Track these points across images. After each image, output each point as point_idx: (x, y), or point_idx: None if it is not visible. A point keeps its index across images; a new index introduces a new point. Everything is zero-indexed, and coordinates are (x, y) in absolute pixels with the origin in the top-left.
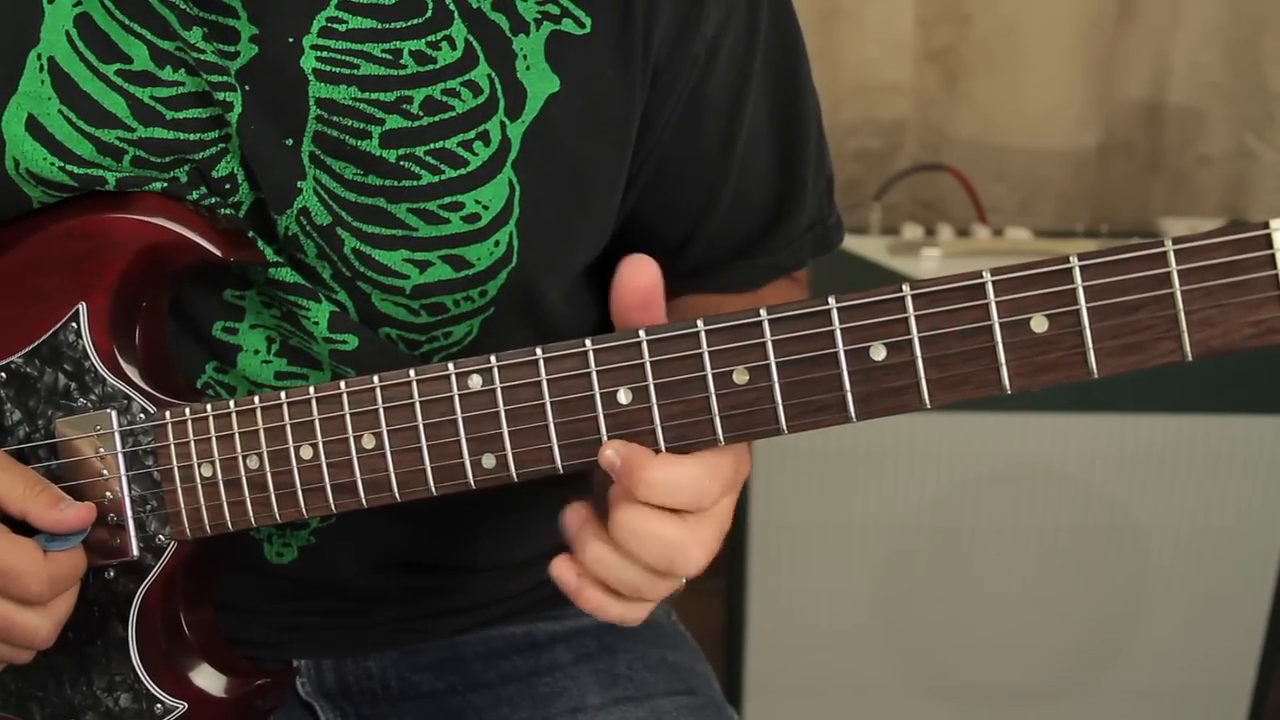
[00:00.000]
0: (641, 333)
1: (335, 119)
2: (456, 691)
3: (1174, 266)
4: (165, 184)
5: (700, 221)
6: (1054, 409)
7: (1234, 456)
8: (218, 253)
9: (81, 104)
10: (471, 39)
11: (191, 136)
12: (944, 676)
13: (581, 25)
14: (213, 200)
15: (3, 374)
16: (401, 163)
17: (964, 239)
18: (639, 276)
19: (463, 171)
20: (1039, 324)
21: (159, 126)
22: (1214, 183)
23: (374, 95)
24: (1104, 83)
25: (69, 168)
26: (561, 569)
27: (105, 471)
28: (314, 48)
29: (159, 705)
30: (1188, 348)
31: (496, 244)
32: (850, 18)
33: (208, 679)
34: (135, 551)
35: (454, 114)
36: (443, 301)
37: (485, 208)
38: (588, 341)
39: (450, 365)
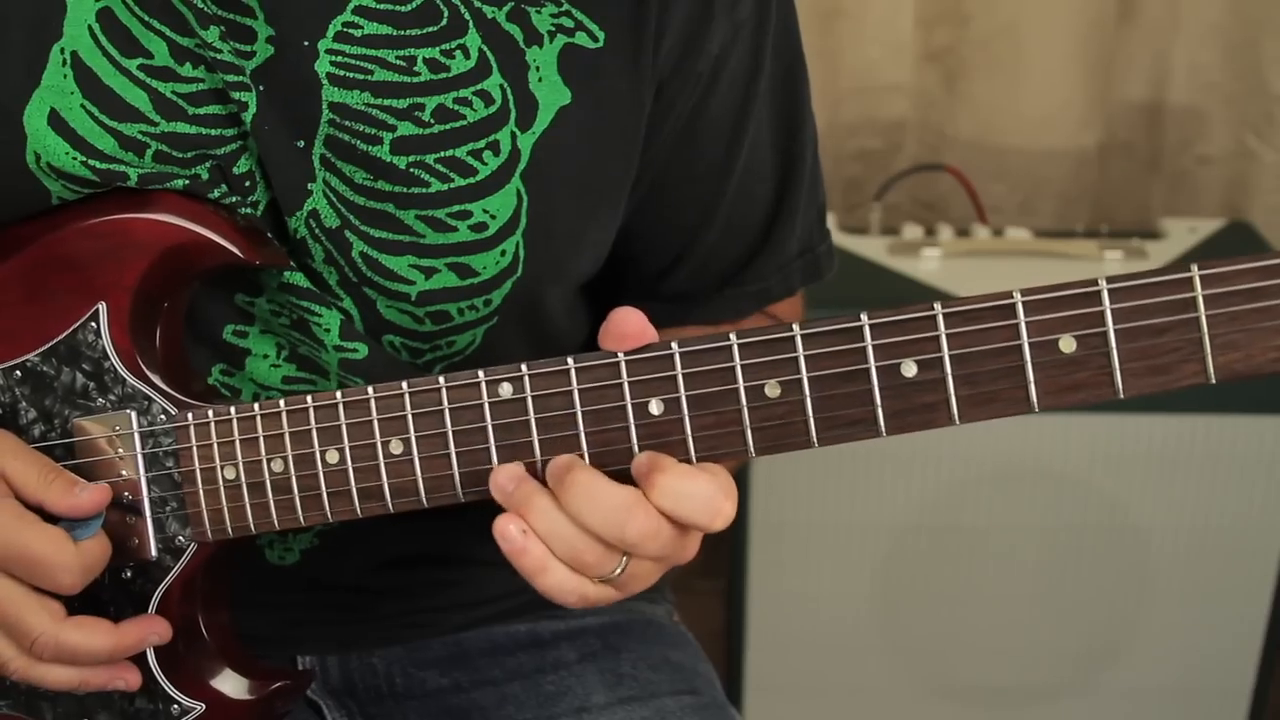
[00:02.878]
0: (674, 344)
1: (347, 123)
2: (462, 689)
3: (1200, 291)
4: (187, 181)
5: (692, 241)
6: (1054, 409)
7: (1234, 456)
8: (241, 255)
9: (104, 98)
10: (485, 49)
11: (213, 132)
12: (944, 676)
13: (595, 39)
14: (233, 199)
15: (18, 372)
16: (411, 169)
17: (964, 239)
18: (629, 321)
19: (471, 180)
20: (1067, 344)
21: (181, 121)
22: (1214, 183)
23: (386, 101)
24: (1104, 83)
25: (91, 162)
26: (506, 524)
27: (124, 472)
28: (329, 52)
29: (175, 706)
30: (1212, 370)
31: (503, 253)
32: (850, 18)
33: (225, 681)
34: (154, 552)
35: (465, 123)
36: (447, 309)
37: (493, 217)
38: (619, 352)
39: (481, 372)
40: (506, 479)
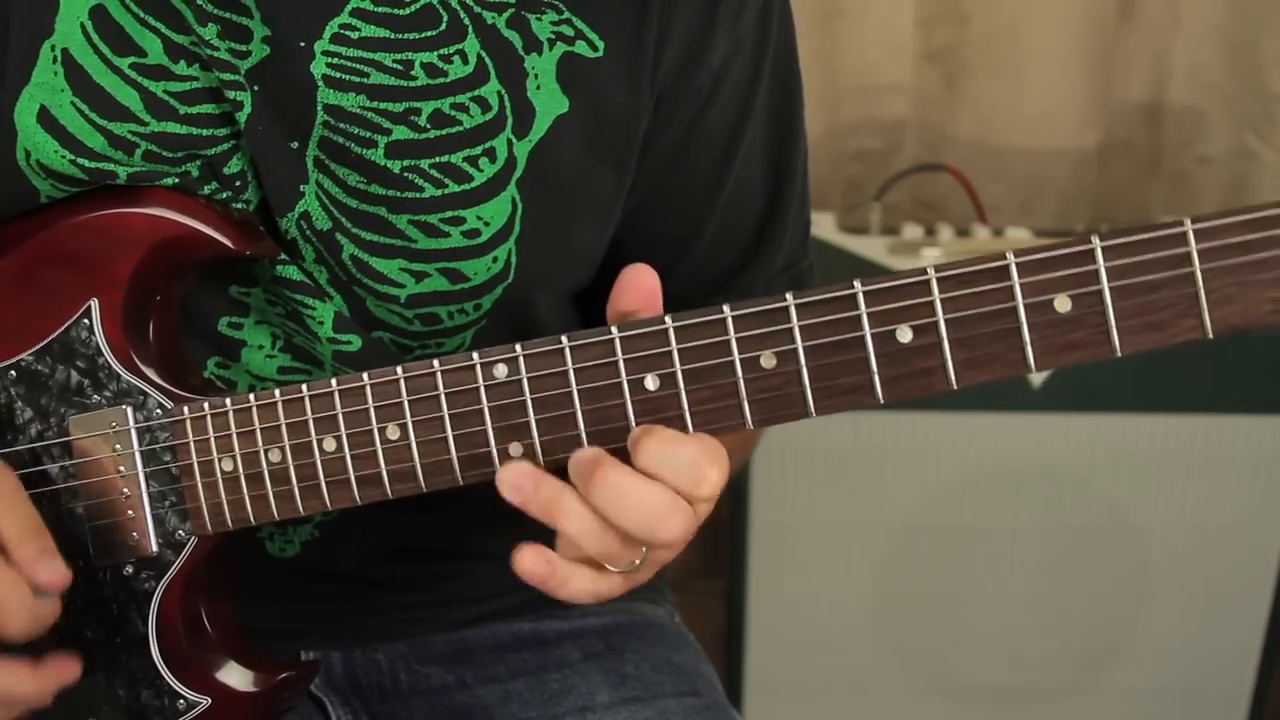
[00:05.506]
0: (668, 319)
1: (342, 126)
2: (466, 685)
3: (1194, 246)
4: (176, 179)
5: (682, 252)
6: (1054, 409)
7: (1234, 456)
8: (232, 246)
9: (94, 97)
10: (484, 55)
11: (204, 132)
12: (944, 676)
13: (594, 48)
14: (225, 195)
15: (13, 372)
16: (405, 174)
17: (964, 239)
18: (643, 276)
19: (466, 187)
20: (1062, 304)
21: (172, 121)
22: (1214, 183)
23: (382, 105)
24: (1104, 83)
25: (80, 161)
26: (528, 563)
27: (122, 468)
28: (325, 53)
29: (181, 701)
30: (1209, 325)
31: (494, 260)
32: (850, 18)
33: (230, 674)
34: (154, 548)
35: (461, 129)
36: (437, 312)
37: (486, 224)
38: (614, 329)
39: (475, 355)
40: (522, 479)
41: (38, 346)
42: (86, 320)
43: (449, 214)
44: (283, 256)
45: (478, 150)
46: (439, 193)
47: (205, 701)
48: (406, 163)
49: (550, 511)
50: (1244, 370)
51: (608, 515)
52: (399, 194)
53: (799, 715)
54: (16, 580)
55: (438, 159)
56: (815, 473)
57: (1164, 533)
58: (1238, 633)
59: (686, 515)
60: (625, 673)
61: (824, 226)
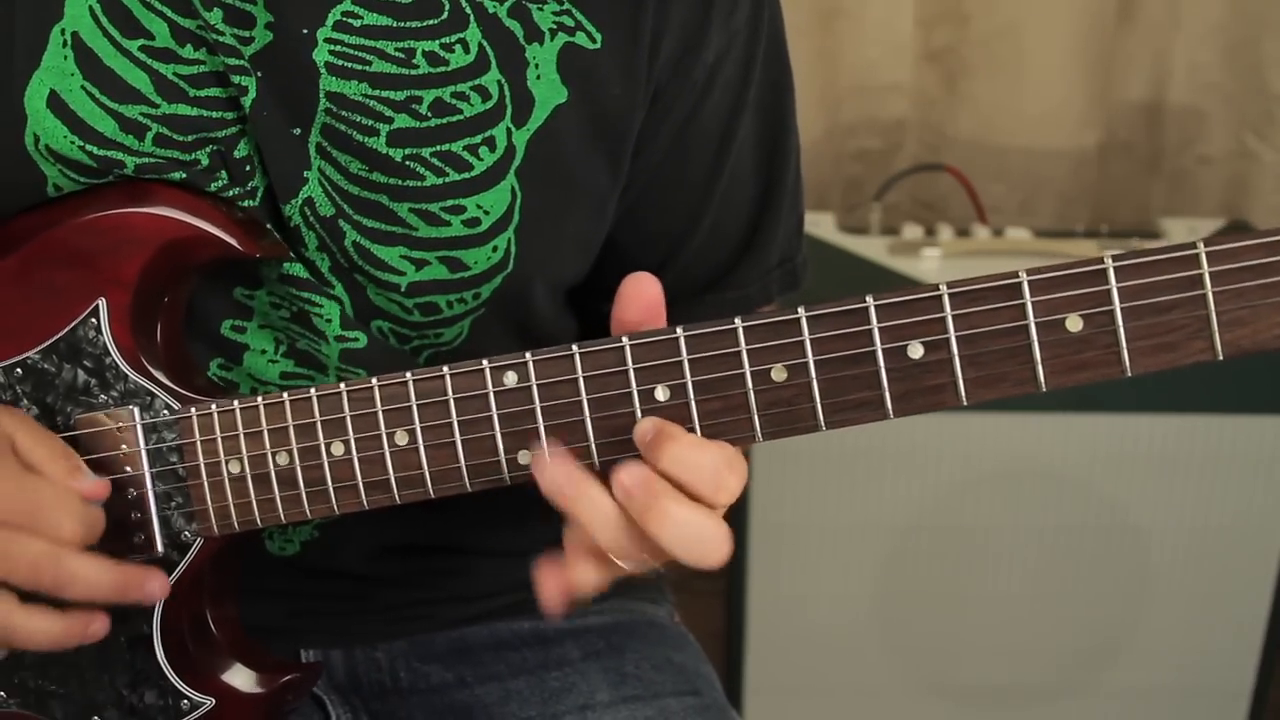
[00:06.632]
0: (679, 330)
1: (344, 113)
2: (466, 684)
3: (1206, 268)
4: (184, 171)
5: (676, 249)
6: (1054, 409)
7: (1234, 456)
8: (239, 247)
9: (105, 80)
10: (485, 44)
11: (214, 115)
12: (944, 676)
13: (593, 40)
14: (233, 192)
15: (19, 370)
16: (407, 162)
17: (964, 239)
18: (645, 285)
19: (466, 175)
20: (1074, 323)
21: (182, 103)
22: (1214, 183)
23: (384, 93)
24: (1104, 83)
25: (89, 147)
26: (554, 592)
27: (128, 468)
28: (328, 41)
29: (185, 701)
30: (1219, 347)
31: (494, 249)
32: (850, 18)
33: (235, 675)
34: (160, 549)
35: (462, 117)
36: (436, 301)
37: (486, 212)
38: (625, 338)
39: (485, 361)
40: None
41: (44, 345)
42: (94, 320)
43: (450, 202)
44: (289, 255)
45: (478, 139)
46: (440, 181)
47: (209, 702)
48: (408, 151)
49: (569, 500)
50: (1244, 370)
51: (660, 541)
52: (400, 182)
53: (799, 715)
54: (61, 488)
55: (439, 147)
56: (815, 473)
57: (1164, 533)
58: (1238, 633)
59: (723, 535)
60: (625, 671)
61: (824, 226)
